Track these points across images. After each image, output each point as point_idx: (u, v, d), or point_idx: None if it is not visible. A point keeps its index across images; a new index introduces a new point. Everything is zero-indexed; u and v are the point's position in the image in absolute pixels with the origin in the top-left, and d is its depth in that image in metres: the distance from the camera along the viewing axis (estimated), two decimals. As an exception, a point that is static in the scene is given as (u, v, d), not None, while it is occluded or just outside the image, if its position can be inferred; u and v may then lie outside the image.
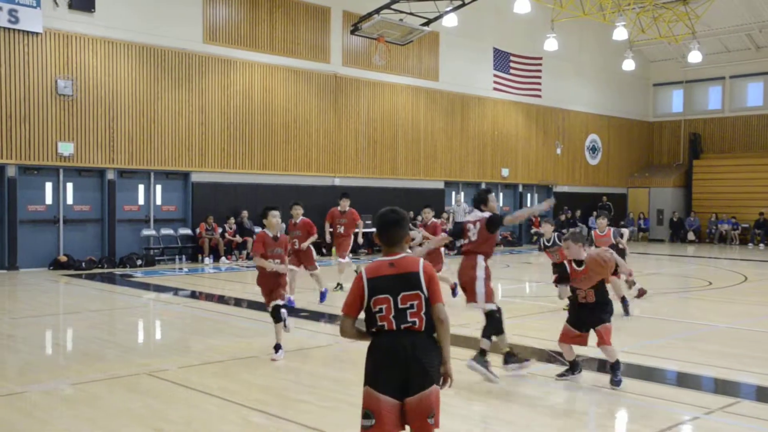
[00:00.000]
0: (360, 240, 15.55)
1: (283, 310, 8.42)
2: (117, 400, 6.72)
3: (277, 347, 8.26)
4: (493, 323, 7.59)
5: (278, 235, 8.70)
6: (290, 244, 11.57)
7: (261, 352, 8.69)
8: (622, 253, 12.06)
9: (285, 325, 8.41)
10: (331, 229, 14.57)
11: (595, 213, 31.49)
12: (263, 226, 8.87)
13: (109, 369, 7.87)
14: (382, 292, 4.03)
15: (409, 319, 4.00)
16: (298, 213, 12.32)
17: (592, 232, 13.27)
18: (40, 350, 9.25)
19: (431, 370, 4.00)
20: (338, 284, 13.96)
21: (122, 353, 8.81)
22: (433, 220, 13.45)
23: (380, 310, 4.01)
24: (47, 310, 12.50)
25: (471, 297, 7.72)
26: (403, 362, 3.97)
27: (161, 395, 6.91)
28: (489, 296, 7.62)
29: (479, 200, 8.10)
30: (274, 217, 8.68)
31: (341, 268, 14.36)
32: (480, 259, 7.71)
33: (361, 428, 4.06)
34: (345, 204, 14.71)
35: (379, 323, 4.02)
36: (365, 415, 4.03)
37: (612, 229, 12.52)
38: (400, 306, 4.00)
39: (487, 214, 7.76)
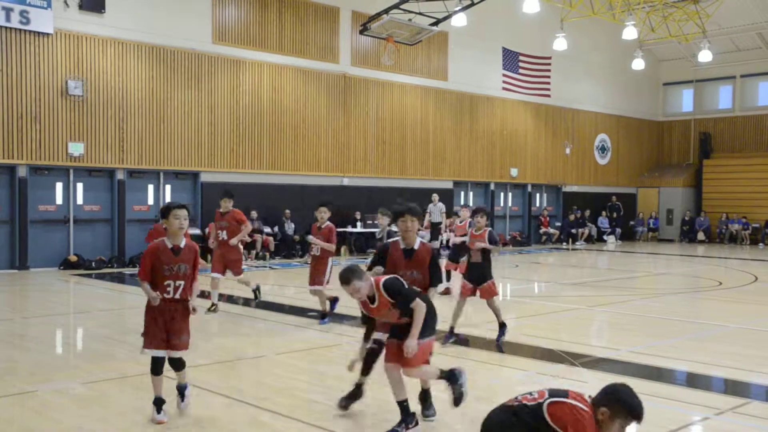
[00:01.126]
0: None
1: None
2: (127, 398, 6.75)
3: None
4: None
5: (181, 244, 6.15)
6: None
7: (270, 352, 8.72)
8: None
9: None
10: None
11: (580, 212, 31.48)
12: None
13: (120, 368, 7.91)
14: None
15: None
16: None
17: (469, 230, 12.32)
18: (50, 349, 9.30)
19: None
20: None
21: (132, 352, 8.80)
22: (328, 223, 10.78)
23: None
24: (58, 310, 12.56)
25: None
26: None
27: (171, 394, 6.91)
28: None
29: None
30: (177, 218, 6.06)
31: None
32: None
33: None
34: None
35: None
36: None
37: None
38: None
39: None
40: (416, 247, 6.09)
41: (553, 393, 4.06)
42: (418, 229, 6.32)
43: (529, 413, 3.99)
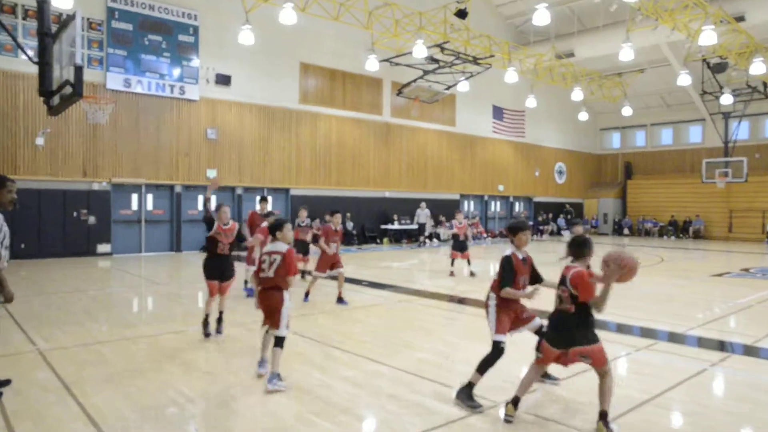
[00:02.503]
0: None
1: None
2: (243, 339, 6.87)
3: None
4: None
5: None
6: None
7: (339, 309, 8.78)
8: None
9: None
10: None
11: (551, 215, 30.99)
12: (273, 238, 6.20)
13: (238, 318, 8.04)
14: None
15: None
16: (337, 221, 9.28)
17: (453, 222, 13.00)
18: (195, 303, 9.43)
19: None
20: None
21: (246, 308, 8.90)
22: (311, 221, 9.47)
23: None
24: (199, 279, 12.71)
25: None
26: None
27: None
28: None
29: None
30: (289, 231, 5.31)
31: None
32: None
33: None
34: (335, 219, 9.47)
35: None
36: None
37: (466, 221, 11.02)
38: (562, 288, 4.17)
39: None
40: (527, 256, 4.91)
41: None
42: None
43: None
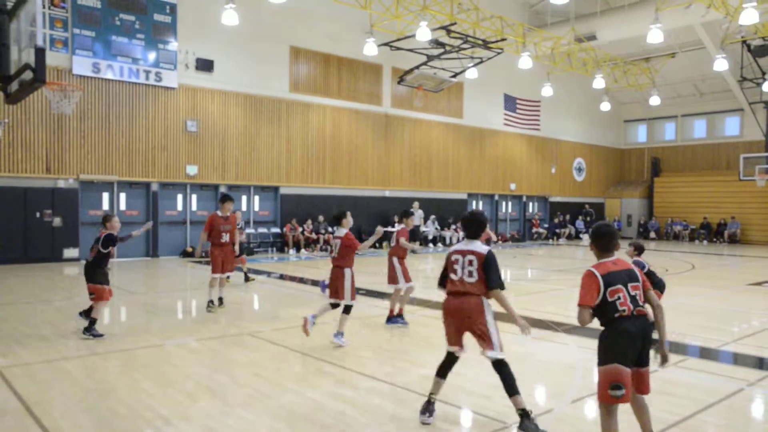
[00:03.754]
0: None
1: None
2: (227, 352, 6.90)
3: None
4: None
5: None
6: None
7: (332, 320, 8.78)
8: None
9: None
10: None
11: (563, 217, 31.06)
12: (337, 226, 7.28)
13: (222, 330, 8.07)
14: (616, 283, 3.75)
15: (640, 304, 3.77)
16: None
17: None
18: (173, 315, 9.45)
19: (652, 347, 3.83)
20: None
21: (231, 319, 8.98)
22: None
23: (618, 298, 3.72)
24: (178, 287, 12.80)
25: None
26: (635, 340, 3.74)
27: (258, 350, 7.05)
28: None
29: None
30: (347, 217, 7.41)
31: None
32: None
33: (612, 398, 3.71)
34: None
35: (620, 309, 3.73)
36: (616, 387, 3.69)
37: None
38: (631, 293, 3.76)
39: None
40: None
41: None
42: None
43: None
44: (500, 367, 4.58)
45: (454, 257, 4.77)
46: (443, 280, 4.89)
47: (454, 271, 4.73)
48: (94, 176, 17.00)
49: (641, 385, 3.89)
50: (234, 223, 9.97)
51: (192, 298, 11.49)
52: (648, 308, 3.91)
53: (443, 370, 4.84)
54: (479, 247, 4.71)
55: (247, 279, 12.85)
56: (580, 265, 18.61)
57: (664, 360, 3.95)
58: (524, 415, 4.46)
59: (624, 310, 3.75)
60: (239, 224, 12.64)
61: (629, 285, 3.81)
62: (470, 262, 4.67)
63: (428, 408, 4.74)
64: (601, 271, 3.84)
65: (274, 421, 4.73)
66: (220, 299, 9.60)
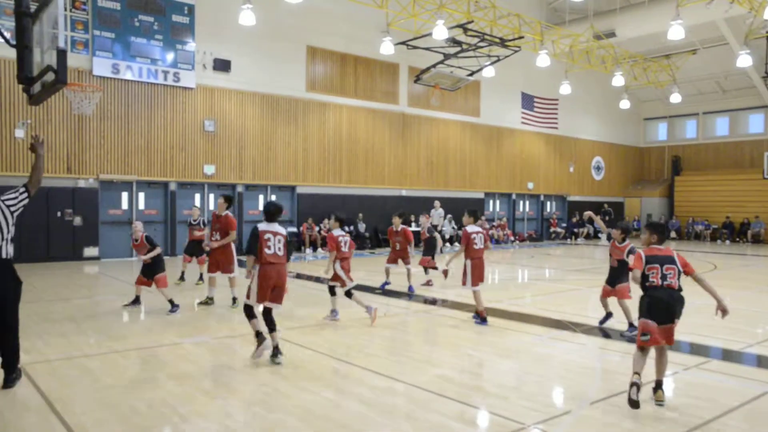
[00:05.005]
0: None
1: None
2: (245, 351, 6.92)
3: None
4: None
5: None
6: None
7: (346, 319, 8.80)
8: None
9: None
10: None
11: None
12: (349, 225, 8.13)
13: (239, 329, 8.10)
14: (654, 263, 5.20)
15: (669, 280, 5.17)
16: (398, 222, 11.51)
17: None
18: (191, 313, 9.47)
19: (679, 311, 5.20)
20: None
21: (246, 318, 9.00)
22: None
23: (652, 273, 5.20)
24: (195, 286, 12.85)
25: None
26: (667, 305, 5.14)
27: (278, 348, 7.06)
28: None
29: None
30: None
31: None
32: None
33: (642, 341, 5.15)
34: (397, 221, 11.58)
35: (651, 280, 5.20)
36: (644, 334, 5.15)
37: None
38: (663, 272, 5.18)
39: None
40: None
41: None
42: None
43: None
44: None
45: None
46: None
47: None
48: (113, 176, 17.21)
49: (669, 338, 5.23)
50: (225, 223, 9.70)
51: (205, 295, 11.54)
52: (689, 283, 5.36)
53: None
54: (279, 228, 6.61)
55: (182, 278, 12.60)
56: (599, 265, 18.43)
57: (724, 313, 5.29)
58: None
59: (653, 282, 5.20)
60: (196, 221, 12.78)
61: (664, 266, 5.21)
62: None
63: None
64: (646, 252, 5.32)
65: (292, 420, 4.76)
66: (211, 298, 9.99)
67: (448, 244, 23.82)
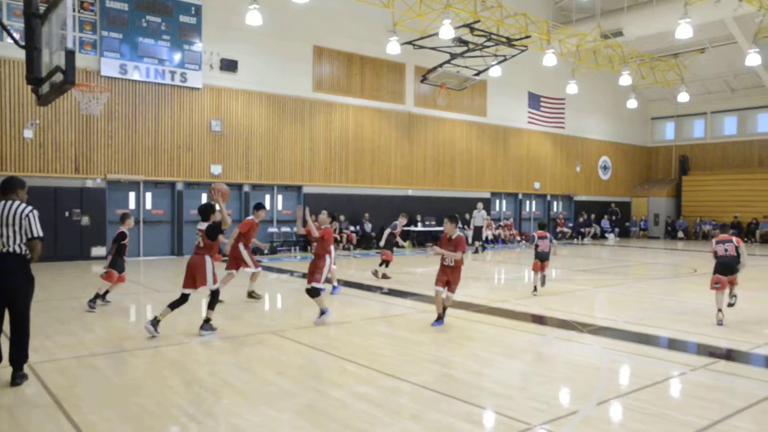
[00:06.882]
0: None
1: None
2: (251, 350, 6.95)
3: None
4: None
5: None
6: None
7: (354, 319, 8.81)
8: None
9: None
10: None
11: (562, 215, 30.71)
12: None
13: (246, 329, 8.14)
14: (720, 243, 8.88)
15: (727, 254, 8.78)
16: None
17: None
18: (198, 313, 9.50)
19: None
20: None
21: (255, 318, 9.07)
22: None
23: (718, 250, 8.87)
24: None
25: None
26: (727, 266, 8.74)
27: (281, 348, 7.10)
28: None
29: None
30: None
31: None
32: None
33: (715, 287, 8.65)
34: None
35: (719, 254, 8.87)
36: (716, 283, 8.64)
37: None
38: (725, 248, 8.81)
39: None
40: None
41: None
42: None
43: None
44: None
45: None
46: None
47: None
48: (120, 176, 17.28)
49: (731, 284, 8.95)
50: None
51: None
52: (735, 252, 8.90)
53: None
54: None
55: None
56: (607, 265, 18.39)
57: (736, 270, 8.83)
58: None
59: (718, 252, 8.83)
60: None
61: (726, 244, 8.81)
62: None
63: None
64: (716, 239, 8.98)
65: (298, 419, 4.77)
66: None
67: (486, 245, 23.51)
